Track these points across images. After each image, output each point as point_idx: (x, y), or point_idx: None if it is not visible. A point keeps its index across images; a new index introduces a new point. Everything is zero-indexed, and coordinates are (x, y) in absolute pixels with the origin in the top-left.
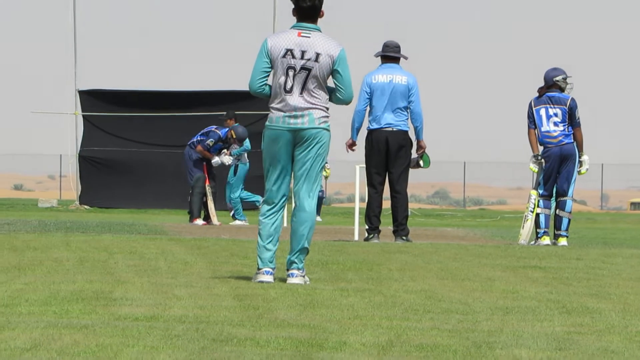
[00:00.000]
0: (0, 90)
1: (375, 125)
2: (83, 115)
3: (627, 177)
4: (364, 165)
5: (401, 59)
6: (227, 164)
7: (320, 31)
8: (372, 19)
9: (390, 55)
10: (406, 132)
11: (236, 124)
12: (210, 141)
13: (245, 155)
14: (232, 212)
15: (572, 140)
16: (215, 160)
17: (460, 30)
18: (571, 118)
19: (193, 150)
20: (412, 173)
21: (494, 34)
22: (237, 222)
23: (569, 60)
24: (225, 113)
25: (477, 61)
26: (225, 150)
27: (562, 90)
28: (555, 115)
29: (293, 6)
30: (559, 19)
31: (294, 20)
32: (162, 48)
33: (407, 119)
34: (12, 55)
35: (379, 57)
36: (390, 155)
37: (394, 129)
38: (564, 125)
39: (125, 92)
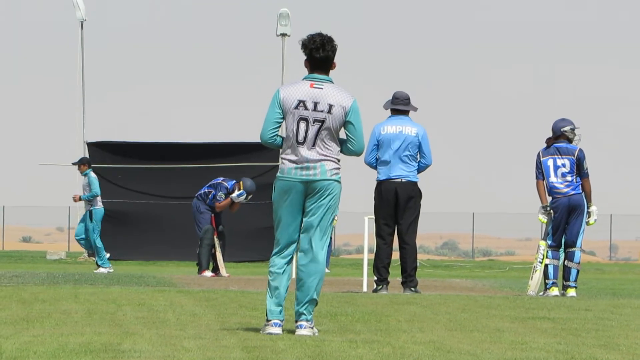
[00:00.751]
0: (8, 142)
1: (384, 177)
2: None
3: (636, 228)
4: (373, 216)
5: (410, 111)
6: (241, 200)
7: (332, 82)
8: (379, 70)
9: (400, 108)
10: (415, 183)
11: (244, 178)
12: (220, 194)
13: (99, 199)
14: (96, 259)
15: (581, 191)
16: (233, 195)
17: (468, 80)
18: (579, 169)
19: (201, 202)
20: (421, 224)
21: (502, 85)
22: (102, 270)
23: (577, 111)
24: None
25: (485, 112)
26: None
27: (570, 141)
28: (563, 166)
29: (305, 57)
30: (564, 69)
31: (304, 71)
32: (170, 100)
33: (416, 169)
34: (20, 107)
35: (388, 109)
36: (399, 207)
37: (403, 180)
38: (572, 176)
39: (133, 144)
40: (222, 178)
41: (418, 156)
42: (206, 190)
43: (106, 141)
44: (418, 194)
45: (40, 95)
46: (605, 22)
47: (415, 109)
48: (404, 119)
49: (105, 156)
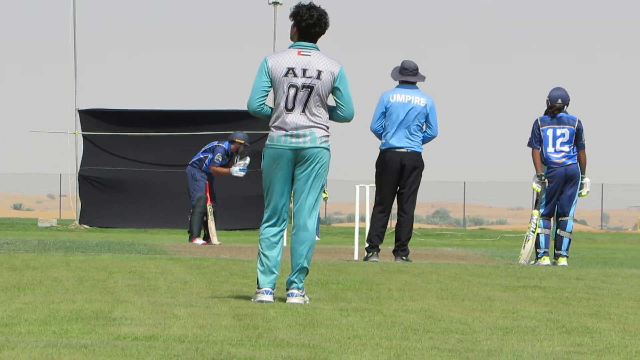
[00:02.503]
0: None
1: (388, 145)
2: (83, 135)
3: (628, 197)
4: (364, 185)
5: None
6: (240, 175)
7: (319, 50)
8: (374, 40)
9: (409, 80)
10: (420, 153)
11: (236, 132)
12: (218, 156)
13: None
14: None
15: (576, 162)
16: (234, 169)
17: (462, 50)
18: (577, 139)
19: (196, 170)
20: None
21: (496, 54)
22: None
23: (569, 80)
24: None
25: (477, 81)
26: (240, 162)
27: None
28: (562, 135)
29: (293, 25)
30: (559, 40)
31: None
32: (162, 67)
33: (421, 140)
34: (11, 75)
35: (395, 74)
36: (403, 176)
37: (408, 150)
38: (569, 147)
39: (125, 111)
40: (216, 142)
41: (424, 126)
42: (201, 156)
43: (98, 108)
44: (422, 165)
45: (31, 63)
46: None
47: (423, 79)
48: (413, 89)
49: (97, 124)
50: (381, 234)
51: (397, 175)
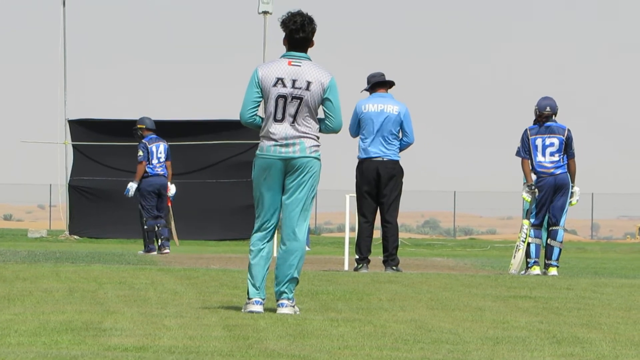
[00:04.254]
0: None
1: (365, 155)
2: (73, 145)
3: (618, 207)
4: (355, 195)
5: (392, 87)
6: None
7: (310, 60)
8: (361, 50)
9: (378, 81)
10: (397, 161)
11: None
12: (139, 153)
13: None
14: None
15: (566, 171)
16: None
17: (452, 59)
18: (567, 148)
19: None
20: (402, 203)
21: (486, 63)
22: None
23: (558, 88)
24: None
25: (468, 91)
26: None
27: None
28: (552, 145)
29: (284, 35)
30: (549, 49)
31: (284, 48)
32: (152, 76)
33: (398, 148)
34: (1, 85)
35: (368, 89)
36: (381, 185)
37: (385, 159)
38: (559, 156)
39: (114, 121)
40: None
41: (400, 134)
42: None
43: (87, 119)
44: (400, 172)
45: (20, 73)
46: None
47: (392, 83)
48: (386, 97)
49: (87, 134)
50: (369, 244)
51: (376, 185)
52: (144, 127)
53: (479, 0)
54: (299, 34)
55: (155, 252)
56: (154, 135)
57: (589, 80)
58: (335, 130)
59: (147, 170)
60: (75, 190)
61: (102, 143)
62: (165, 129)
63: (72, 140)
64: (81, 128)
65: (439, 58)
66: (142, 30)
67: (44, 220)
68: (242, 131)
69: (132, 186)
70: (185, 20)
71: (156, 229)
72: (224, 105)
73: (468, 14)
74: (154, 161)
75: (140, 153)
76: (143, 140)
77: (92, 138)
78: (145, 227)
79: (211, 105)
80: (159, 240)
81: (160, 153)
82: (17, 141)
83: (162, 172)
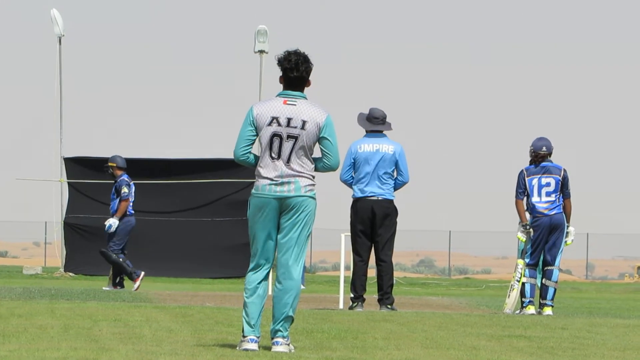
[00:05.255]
0: None
1: (360, 194)
2: (68, 183)
3: (613, 247)
4: (349, 234)
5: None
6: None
7: (306, 98)
8: (355, 87)
9: (375, 129)
10: (391, 200)
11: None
12: (124, 190)
13: None
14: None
15: (562, 211)
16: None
17: (443, 98)
18: (563, 188)
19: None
20: (397, 241)
21: (480, 103)
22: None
23: (554, 128)
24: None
25: (462, 130)
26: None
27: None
28: (548, 185)
29: (280, 73)
30: (544, 89)
31: (279, 87)
32: (147, 113)
33: (393, 187)
34: None
35: (362, 123)
36: (375, 224)
37: (379, 198)
38: (555, 196)
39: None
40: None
41: (395, 173)
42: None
43: (83, 156)
44: (394, 212)
45: (17, 110)
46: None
47: (390, 128)
48: (381, 137)
49: (82, 171)
50: (363, 282)
51: (370, 224)
52: (115, 165)
53: (471, 42)
54: (293, 72)
55: (142, 273)
56: (126, 174)
57: (585, 119)
58: (333, 168)
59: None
60: (71, 227)
61: (97, 181)
62: (159, 167)
63: (68, 178)
64: (76, 166)
65: (435, 97)
66: (138, 68)
67: (39, 257)
68: (238, 170)
69: (114, 222)
70: (182, 58)
71: (127, 262)
72: (220, 143)
73: (464, 51)
74: (130, 199)
75: (126, 190)
76: (124, 178)
77: (87, 176)
78: (120, 259)
79: (207, 144)
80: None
81: (133, 193)
82: (13, 178)
83: (133, 212)
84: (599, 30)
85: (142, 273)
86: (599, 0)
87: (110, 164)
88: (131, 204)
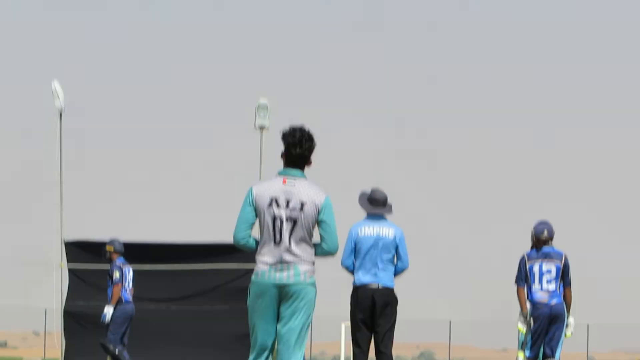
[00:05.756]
0: None
1: (360, 282)
2: (69, 268)
3: (614, 339)
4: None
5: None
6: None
7: (306, 178)
8: (357, 167)
9: (376, 212)
10: (392, 289)
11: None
12: (115, 274)
13: None
14: None
15: (562, 300)
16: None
17: (445, 184)
18: (564, 276)
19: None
20: (396, 333)
21: (480, 188)
22: None
23: (554, 213)
24: None
25: (462, 218)
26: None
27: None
28: (549, 272)
29: (283, 149)
30: (543, 173)
31: (279, 165)
32: (148, 195)
33: (393, 273)
34: None
35: (364, 205)
36: (375, 313)
37: (380, 286)
38: (556, 284)
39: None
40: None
41: (395, 259)
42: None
43: (84, 240)
44: (394, 300)
45: (17, 192)
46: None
47: (391, 212)
48: (381, 220)
49: (84, 256)
50: None
51: (370, 313)
52: (113, 249)
53: (471, 126)
54: (296, 149)
55: None
56: (123, 259)
57: (585, 204)
58: (332, 253)
59: (122, 294)
60: (70, 316)
61: (98, 266)
62: (162, 252)
63: (68, 262)
64: (78, 250)
65: (436, 181)
66: (139, 151)
67: (39, 347)
68: (239, 254)
69: (108, 311)
70: (181, 138)
71: (124, 353)
72: (220, 226)
73: (464, 133)
74: (126, 285)
75: (117, 275)
76: (117, 262)
77: (88, 260)
78: (117, 352)
79: (206, 227)
80: None
81: (130, 279)
82: (12, 263)
83: (131, 299)
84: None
85: None
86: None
87: (107, 247)
88: (128, 290)
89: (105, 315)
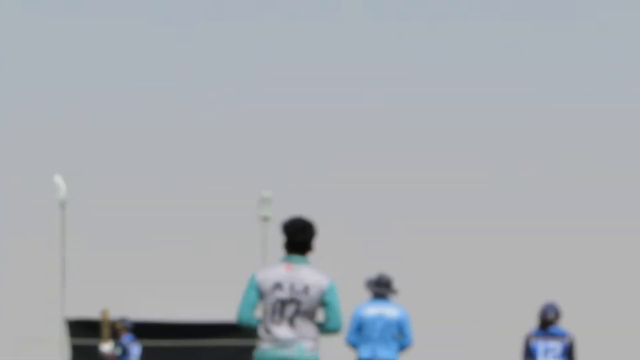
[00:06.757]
0: None
1: (363, 356)
2: (72, 344)
3: None
4: None
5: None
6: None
7: (309, 264)
8: (359, 253)
9: (380, 292)
10: None
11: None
12: (116, 351)
13: None
14: None
15: None
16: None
17: (455, 266)
18: (570, 355)
19: None
20: None
21: (486, 272)
22: None
23: (561, 295)
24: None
25: (466, 293)
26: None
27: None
28: (554, 349)
29: (284, 239)
30: (555, 254)
31: (282, 252)
32: (149, 279)
33: (397, 351)
34: None
35: (369, 287)
36: None
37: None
38: None
39: (114, 321)
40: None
41: (399, 336)
42: None
43: (87, 318)
44: None
45: (17, 269)
46: None
47: (396, 292)
48: (385, 302)
49: (86, 333)
50: None
51: None
52: (121, 326)
53: (476, 208)
54: (297, 237)
55: None
56: (132, 336)
57: (595, 290)
58: (336, 331)
59: None
60: None
61: (99, 342)
62: (163, 331)
63: (71, 338)
64: (80, 328)
65: (443, 265)
66: (139, 230)
67: None
68: (241, 333)
69: (108, 348)
70: (182, 222)
71: None
72: (221, 306)
73: (473, 219)
74: None
75: (118, 352)
76: (123, 340)
77: (91, 338)
78: None
79: (208, 307)
80: None
81: (137, 355)
82: (12, 339)
83: None
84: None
85: None
86: None
87: (116, 325)
88: None
89: (103, 349)
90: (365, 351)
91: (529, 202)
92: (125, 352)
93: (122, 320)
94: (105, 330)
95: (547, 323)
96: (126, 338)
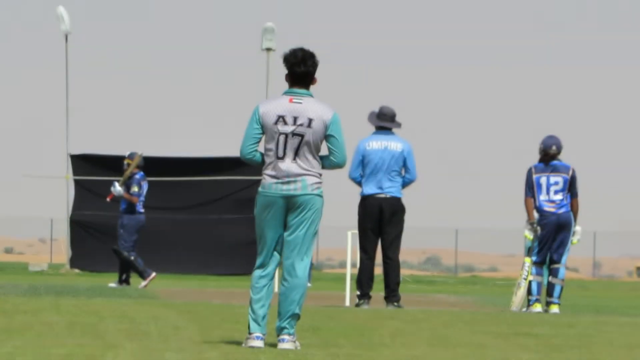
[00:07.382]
0: None
1: (368, 192)
2: (74, 180)
3: (620, 245)
4: (356, 231)
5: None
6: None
7: (312, 96)
8: (363, 85)
9: (385, 125)
10: (399, 198)
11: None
12: (134, 188)
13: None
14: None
15: (569, 210)
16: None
17: (452, 95)
18: (571, 187)
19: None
20: (404, 239)
21: (488, 101)
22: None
23: (561, 126)
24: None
25: (469, 127)
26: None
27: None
28: (556, 183)
29: (286, 71)
30: (552, 87)
31: (285, 86)
32: (154, 112)
33: (401, 185)
34: (2, 118)
35: (372, 120)
36: (383, 221)
37: (387, 196)
38: (563, 195)
39: (116, 157)
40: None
41: (403, 171)
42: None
43: (89, 154)
44: (402, 210)
45: (22, 107)
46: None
47: (399, 126)
48: (389, 135)
49: (88, 168)
50: (370, 280)
51: (378, 221)
52: (134, 162)
53: (484, 37)
54: (300, 67)
55: (154, 274)
56: (143, 173)
57: (593, 117)
58: (340, 166)
59: (136, 206)
60: (77, 224)
61: (103, 178)
62: (167, 166)
63: (74, 175)
64: (83, 163)
65: (443, 93)
66: (144, 66)
67: (45, 254)
68: (245, 168)
69: (119, 191)
70: (188, 56)
71: (138, 259)
72: (226, 140)
73: (474, 50)
74: (142, 198)
75: (136, 189)
76: (137, 176)
77: (93, 173)
78: (132, 257)
79: (213, 141)
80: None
81: (145, 193)
82: (19, 174)
83: (143, 210)
84: (609, 27)
85: (154, 274)
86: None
87: (128, 160)
88: (142, 202)
89: (115, 186)
90: (369, 187)
91: (530, 34)
92: (139, 187)
93: (132, 156)
94: (127, 173)
95: (548, 156)
96: (138, 175)
